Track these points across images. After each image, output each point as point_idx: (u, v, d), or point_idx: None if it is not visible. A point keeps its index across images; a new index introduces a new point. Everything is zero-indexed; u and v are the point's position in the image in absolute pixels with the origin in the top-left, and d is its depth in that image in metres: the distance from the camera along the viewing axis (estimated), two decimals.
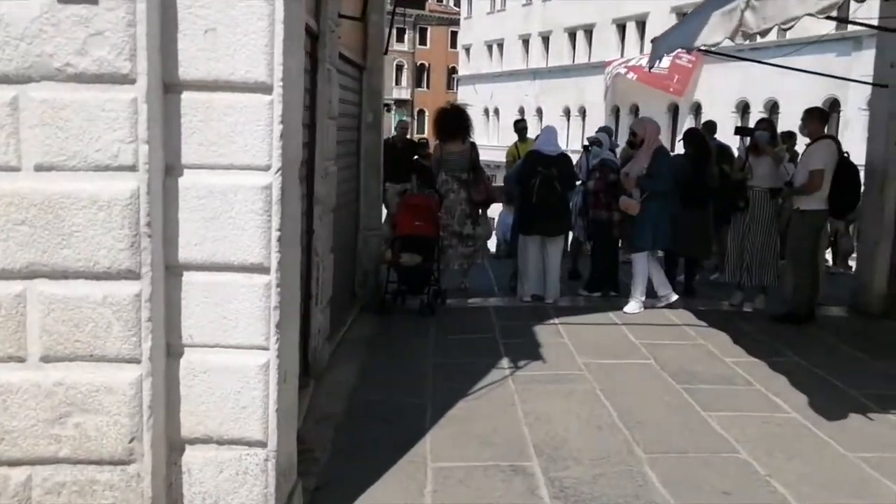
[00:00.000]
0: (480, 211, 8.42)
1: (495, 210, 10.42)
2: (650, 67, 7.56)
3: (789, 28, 4.79)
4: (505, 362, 5.65)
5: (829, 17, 5.72)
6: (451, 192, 7.85)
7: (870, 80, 7.65)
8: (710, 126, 9.44)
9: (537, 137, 8.33)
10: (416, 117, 61.02)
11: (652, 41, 7.59)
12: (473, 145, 8.14)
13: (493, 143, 44.51)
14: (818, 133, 6.95)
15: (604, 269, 7.97)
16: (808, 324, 6.93)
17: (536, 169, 7.32)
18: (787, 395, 5.00)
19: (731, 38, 5.33)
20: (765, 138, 7.33)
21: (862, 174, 7.42)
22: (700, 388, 5.12)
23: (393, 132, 10.54)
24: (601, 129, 9.19)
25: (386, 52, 7.31)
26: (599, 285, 7.99)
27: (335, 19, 5.11)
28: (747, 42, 30.23)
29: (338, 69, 5.32)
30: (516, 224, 7.84)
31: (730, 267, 7.58)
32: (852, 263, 8.04)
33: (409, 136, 10.93)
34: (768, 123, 8.47)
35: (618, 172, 7.54)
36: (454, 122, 8.01)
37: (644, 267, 7.24)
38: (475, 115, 47.75)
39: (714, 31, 5.55)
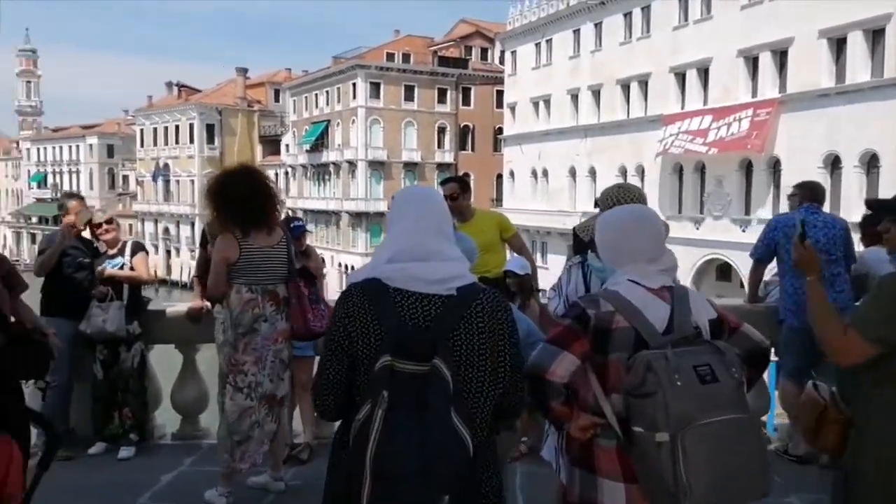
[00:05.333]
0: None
1: None
2: None
3: None
4: None
5: None
6: (262, 322, 4.13)
7: None
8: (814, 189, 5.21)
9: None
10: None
11: None
12: (288, 236, 4.35)
13: (541, 207, 40.82)
14: None
15: None
16: None
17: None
18: None
19: None
20: None
21: None
22: None
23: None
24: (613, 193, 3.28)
25: None
26: None
27: None
28: (833, 85, 25.95)
29: None
30: None
31: None
32: None
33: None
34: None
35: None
36: (257, 193, 4.14)
37: None
38: (523, 177, 44.31)
39: None
